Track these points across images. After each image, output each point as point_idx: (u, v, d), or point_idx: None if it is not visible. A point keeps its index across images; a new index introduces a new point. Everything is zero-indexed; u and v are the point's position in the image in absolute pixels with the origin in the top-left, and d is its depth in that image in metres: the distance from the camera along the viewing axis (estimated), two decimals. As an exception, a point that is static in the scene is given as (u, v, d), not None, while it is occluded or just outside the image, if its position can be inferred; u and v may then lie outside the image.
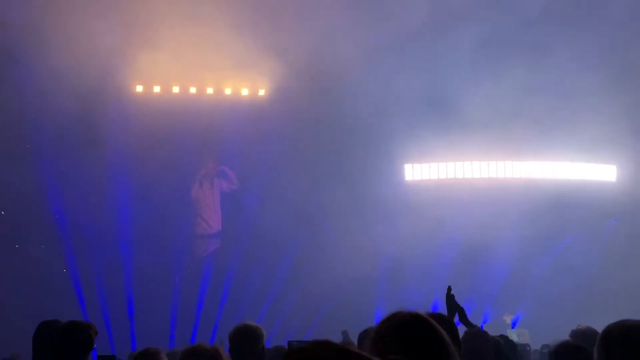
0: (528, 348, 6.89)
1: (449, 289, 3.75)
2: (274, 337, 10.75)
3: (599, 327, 2.79)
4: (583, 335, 4.03)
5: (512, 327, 12.05)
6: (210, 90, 13.83)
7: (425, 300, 11.01)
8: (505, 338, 6.15)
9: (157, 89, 13.63)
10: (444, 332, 1.82)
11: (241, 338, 3.72)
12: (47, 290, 11.87)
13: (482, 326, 12.40)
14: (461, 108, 12.44)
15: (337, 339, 7.98)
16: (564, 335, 4.80)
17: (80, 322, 3.44)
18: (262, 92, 13.97)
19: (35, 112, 12.17)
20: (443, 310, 3.69)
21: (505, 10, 11.99)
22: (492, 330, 9.13)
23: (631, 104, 12.50)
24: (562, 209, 13.07)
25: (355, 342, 4.40)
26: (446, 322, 2.70)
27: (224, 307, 12.93)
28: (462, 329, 3.78)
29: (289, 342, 4.59)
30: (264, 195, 13.36)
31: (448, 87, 12.63)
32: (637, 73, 12.89)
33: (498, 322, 12.09)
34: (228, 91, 13.92)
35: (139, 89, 13.54)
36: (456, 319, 3.72)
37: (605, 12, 12.05)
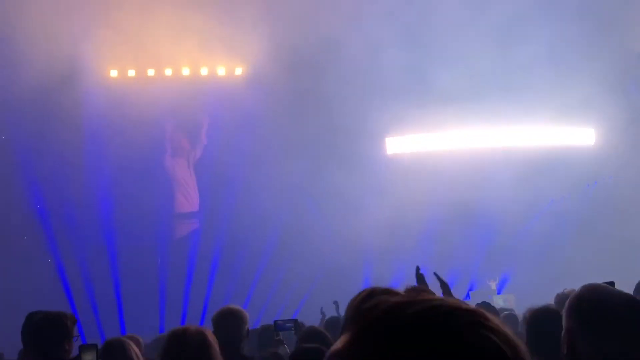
0: (513, 313, 6.97)
1: (417, 269, 3.78)
2: (263, 316, 10.81)
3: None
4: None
5: (498, 293, 12.21)
6: (186, 71, 13.64)
7: (412, 273, 11.06)
8: (486, 306, 6.24)
9: (131, 72, 13.43)
10: None
11: (225, 321, 3.75)
12: (32, 282, 11.75)
13: (468, 294, 12.62)
14: (438, 78, 12.40)
15: (327, 313, 8.02)
16: (550, 300, 4.85)
17: (56, 313, 3.40)
18: (239, 71, 13.82)
19: (7, 102, 11.93)
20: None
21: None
22: (479, 297, 9.27)
23: (608, 66, 12.58)
24: (543, 174, 13.18)
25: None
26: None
27: (212, 289, 12.93)
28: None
29: (275, 322, 4.63)
30: (246, 175, 13.28)
31: (425, 58, 12.58)
32: (610, 34, 12.95)
33: (483, 289, 12.24)
34: (204, 71, 13.75)
35: (114, 73, 13.33)
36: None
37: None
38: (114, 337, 3.83)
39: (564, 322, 2.05)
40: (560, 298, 4.49)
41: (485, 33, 12.07)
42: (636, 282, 4.97)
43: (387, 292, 2.04)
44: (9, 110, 12.11)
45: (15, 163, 12.46)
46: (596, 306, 1.97)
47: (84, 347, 3.32)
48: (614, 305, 1.96)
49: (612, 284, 2.91)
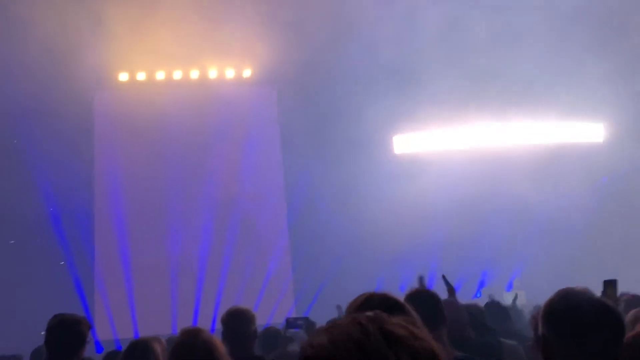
0: (522, 309, 6.97)
1: (444, 277, 3.85)
2: (275, 316, 10.88)
3: (596, 285, 2.83)
4: None
5: (508, 290, 12.20)
6: (195, 74, 13.73)
7: (420, 273, 11.08)
8: (495, 303, 6.23)
9: (141, 76, 13.54)
10: (410, 313, 1.88)
11: (233, 321, 3.80)
12: (46, 284, 11.89)
13: (478, 291, 12.60)
14: (444, 76, 12.40)
15: (333, 314, 8.09)
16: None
17: (70, 318, 3.40)
18: (247, 73, 13.90)
19: (19, 107, 12.07)
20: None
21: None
22: (490, 294, 9.29)
23: (616, 65, 12.55)
24: (553, 170, 13.16)
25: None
26: (426, 297, 2.85)
27: (223, 290, 13.01)
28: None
29: (287, 319, 4.68)
30: (255, 177, 13.35)
31: (424, 57, 12.56)
32: (619, 30, 12.89)
33: (494, 287, 12.24)
34: (213, 73, 13.84)
35: (124, 77, 13.45)
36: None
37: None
38: (141, 337, 3.83)
39: (539, 328, 2.07)
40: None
41: (492, 30, 12.06)
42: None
43: (385, 297, 2.11)
44: (22, 115, 12.25)
45: (28, 167, 12.60)
46: (567, 313, 1.99)
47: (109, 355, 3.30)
48: (584, 311, 1.97)
49: (614, 282, 2.93)
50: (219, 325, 3.79)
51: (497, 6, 12.06)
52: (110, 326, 12.26)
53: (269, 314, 10.91)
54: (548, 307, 2.06)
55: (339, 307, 8.20)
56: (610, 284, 2.88)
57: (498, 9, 12.04)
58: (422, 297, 2.82)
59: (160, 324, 11.25)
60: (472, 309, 4.25)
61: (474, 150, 14.21)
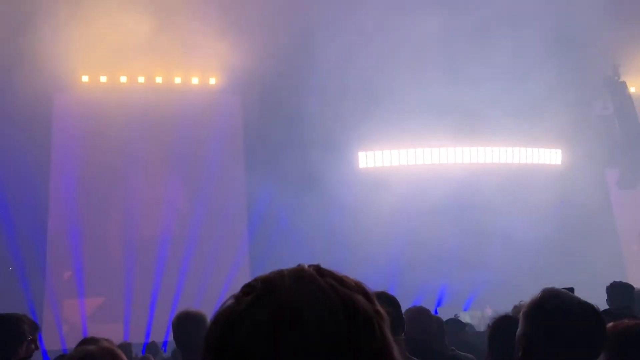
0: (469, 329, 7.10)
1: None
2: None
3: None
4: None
5: (465, 310, 12.30)
6: (159, 80, 13.54)
7: (382, 287, 11.09)
8: (454, 321, 6.33)
9: (103, 78, 13.28)
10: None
11: (183, 326, 3.58)
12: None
13: (436, 310, 12.63)
14: (412, 96, 12.55)
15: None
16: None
17: (10, 314, 3.27)
18: (212, 81, 13.79)
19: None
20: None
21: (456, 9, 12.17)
22: (447, 313, 9.33)
23: (579, 97, 13.02)
24: (511, 191, 13.39)
25: None
26: (387, 299, 2.83)
27: (179, 299, 12.71)
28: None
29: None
30: (216, 190, 13.20)
31: (396, 76, 12.68)
32: (580, 56, 13.32)
33: (451, 305, 12.31)
34: (177, 80, 13.67)
35: (85, 79, 13.17)
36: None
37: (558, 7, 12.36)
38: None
39: (520, 327, 2.05)
40: (517, 309, 4.57)
41: (455, 60, 12.32)
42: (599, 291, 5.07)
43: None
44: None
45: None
46: (555, 312, 1.97)
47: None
48: (572, 312, 1.96)
49: (571, 290, 2.95)
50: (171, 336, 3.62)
51: (464, 33, 12.32)
52: (59, 336, 11.84)
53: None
54: (535, 304, 2.03)
55: None
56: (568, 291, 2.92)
57: (465, 36, 12.30)
58: (383, 300, 2.75)
59: (111, 334, 10.89)
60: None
61: (434, 171, 14.39)
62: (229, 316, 0.81)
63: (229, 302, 0.84)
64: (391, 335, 0.83)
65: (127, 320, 12.39)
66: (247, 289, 0.84)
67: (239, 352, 0.76)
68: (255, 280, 0.85)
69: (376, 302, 0.84)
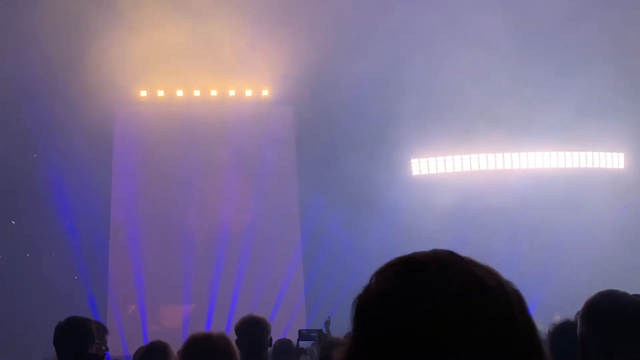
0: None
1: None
2: (291, 328, 10.84)
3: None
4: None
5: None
6: (214, 92, 13.86)
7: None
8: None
9: (161, 93, 13.69)
10: None
11: (247, 330, 3.71)
12: (59, 297, 11.88)
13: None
14: (468, 100, 12.41)
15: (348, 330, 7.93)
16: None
17: (79, 317, 3.40)
18: (265, 93, 13.99)
19: (39, 122, 12.22)
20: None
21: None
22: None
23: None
24: (573, 197, 13.03)
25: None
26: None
27: (235, 309, 12.91)
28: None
29: (300, 331, 4.61)
30: (269, 200, 13.40)
31: (452, 80, 12.56)
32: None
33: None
34: (232, 93, 13.95)
35: (143, 93, 13.61)
36: None
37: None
38: (157, 340, 3.81)
39: (578, 328, 2.07)
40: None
41: (518, 60, 12.11)
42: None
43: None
44: (42, 129, 12.40)
45: (46, 181, 12.71)
46: (607, 310, 1.98)
47: None
48: (625, 310, 1.96)
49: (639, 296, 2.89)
50: (230, 333, 3.71)
51: (528, 33, 12.11)
52: (122, 342, 12.18)
53: (281, 332, 10.79)
54: (589, 304, 2.05)
55: (327, 321, 7.88)
56: None
57: (529, 36, 12.08)
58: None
59: (171, 340, 11.14)
60: None
61: (491, 177, 14.13)
62: (408, 289, 0.84)
63: (390, 283, 0.87)
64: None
65: (185, 325, 12.68)
66: (413, 265, 0.87)
67: (432, 318, 0.81)
68: (412, 260, 0.88)
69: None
